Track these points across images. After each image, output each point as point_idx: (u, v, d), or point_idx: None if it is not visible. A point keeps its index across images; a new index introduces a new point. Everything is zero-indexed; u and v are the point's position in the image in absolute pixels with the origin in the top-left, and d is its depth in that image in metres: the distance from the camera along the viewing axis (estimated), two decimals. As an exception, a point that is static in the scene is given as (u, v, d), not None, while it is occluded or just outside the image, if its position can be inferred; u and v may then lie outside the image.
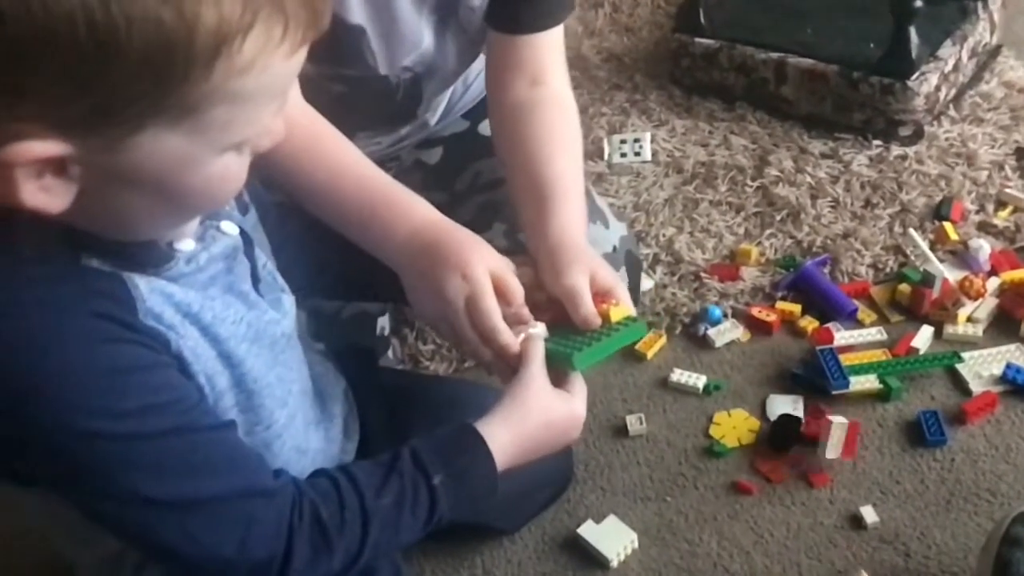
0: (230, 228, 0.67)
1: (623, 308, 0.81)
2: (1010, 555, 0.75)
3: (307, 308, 1.06)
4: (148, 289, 0.59)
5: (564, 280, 0.81)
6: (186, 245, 0.63)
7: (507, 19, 0.97)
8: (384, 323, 1.17)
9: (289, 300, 0.73)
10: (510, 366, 0.77)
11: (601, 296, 0.81)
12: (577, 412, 0.77)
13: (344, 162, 0.86)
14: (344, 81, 1.00)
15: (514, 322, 0.78)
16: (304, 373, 0.76)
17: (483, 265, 0.78)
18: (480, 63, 1.20)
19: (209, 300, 0.63)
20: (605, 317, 0.79)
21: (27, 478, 0.62)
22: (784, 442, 1.02)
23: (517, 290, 0.79)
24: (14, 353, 0.55)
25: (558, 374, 0.77)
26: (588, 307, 0.79)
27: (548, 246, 0.86)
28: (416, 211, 0.84)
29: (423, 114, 1.11)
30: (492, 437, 0.71)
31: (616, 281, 0.83)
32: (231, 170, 0.57)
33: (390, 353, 1.19)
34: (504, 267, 0.80)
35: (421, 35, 1.02)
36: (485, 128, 1.17)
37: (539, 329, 0.78)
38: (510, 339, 0.76)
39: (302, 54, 0.55)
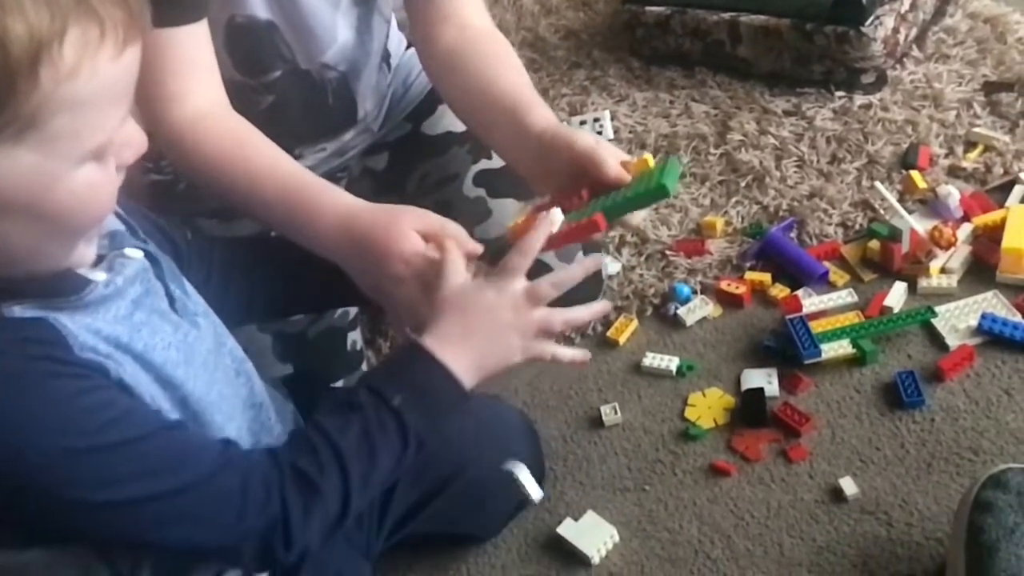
0: (134, 253, 0.68)
1: (644, 161, 0.83)
2: (981, 521, 0.73)
3: (271, 331, 1.06)
4: (76, 327, 0.60)
5: (579, 145, 0.83)
6: (97, 276, 0.63)
7: None
8: (356, 337, 1.16)
9: (206, 321, 0.73)
10: None
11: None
12: (510, 287, 0.74)
13: (263, 165, 0.87)
14: (271, 89, 1.00)
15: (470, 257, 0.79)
16: (251, 387, 0.77)
17: (411, 242, 0.79)
18: (417, 64, 1.19)
19: (136, 330, 0.64)
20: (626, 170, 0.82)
21: (25, 538, 0.63)
22: (756, 418, 0.99)
23: (457, 233, 0.80)
24: None
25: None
26: (613, 159, 0.82)
27: (542, 132, 0.87)
28: (335, 204, 0.84)
29: (363, 117, 1.10)
30: (435, 345, 0.72)
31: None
32: (96, 181, 0.57)
33: (364, 366, 1.18)
34: (431, 223, 0.80)
35: (335, 29, 1.01)
36: (428, 127, 1.16)
37: (555, 212, 0.80)
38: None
39: (132, 56, 0.56)
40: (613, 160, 0.82)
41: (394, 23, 1.15)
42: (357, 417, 0.69)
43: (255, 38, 0.96)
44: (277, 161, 0.87)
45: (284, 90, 1.01)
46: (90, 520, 0.61)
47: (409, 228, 0.80)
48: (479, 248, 0.80)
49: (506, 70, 0.95)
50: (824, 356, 1.02)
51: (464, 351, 0.72)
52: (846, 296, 1.08)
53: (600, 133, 1.41)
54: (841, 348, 1.03)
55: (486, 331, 0.74)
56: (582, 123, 1.43)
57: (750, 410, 1.00)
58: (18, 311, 0.58)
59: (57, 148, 0.54)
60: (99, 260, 0.65)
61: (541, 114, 0.89)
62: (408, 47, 1.23)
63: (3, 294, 0.58)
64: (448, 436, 0.75)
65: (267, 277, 0.86)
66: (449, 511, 0.93)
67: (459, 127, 1.13)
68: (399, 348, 0.75)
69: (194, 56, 0.86)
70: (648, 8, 1.46)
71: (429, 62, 1.03)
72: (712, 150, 1.32)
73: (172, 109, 0.84)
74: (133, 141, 0.59)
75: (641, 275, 1.19)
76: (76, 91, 0.53)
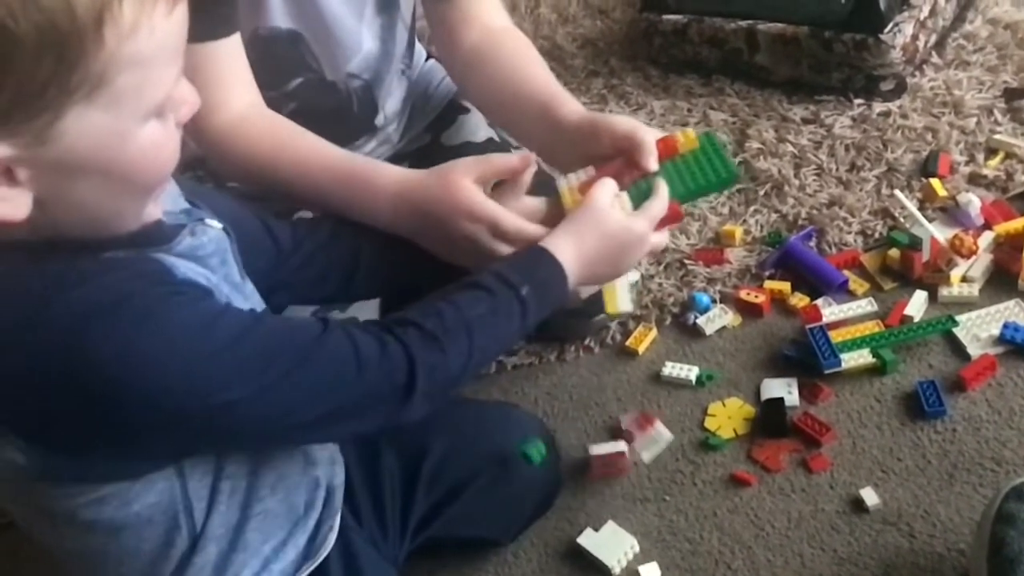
0: (213, 223, 0.71)
1: (689, 138, 0.86)
2: (1004, 533, 0.73)
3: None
4: (173, 263, 0.64)
5: (619, 128, 0.86)
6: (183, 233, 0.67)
7: None
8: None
9: (260, 308, 0.76)
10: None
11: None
12: (636, 228, 0.81)
13: (309, 155, 0.90)
14: (292, 96, 1.01)
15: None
16: None
17: (469, 195, 0.82)
18: (437, 75, 1.19)
19: (218, 289, 0.67)
20: (675, 147, 0.86)
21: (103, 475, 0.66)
22: (776, 428, 0.99)
23: (505, 160, 0.85)
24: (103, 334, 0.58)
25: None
26: (650, 138, 0.84)
27: (579, 123, 0.90)
28: (388, 182, 0.86)
29: (381, 124, 1.11)
30: (558, 249, 0.78)
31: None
32: (159, 138, 0.60)
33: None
34: (485, 169, 0.84)
35: (360, 38, 1.03)
36: (448, 138, 1.17)
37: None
38: (540, 231, 0.81)
39: (181, 12, 0.59)
40: (652, 143, 0.85)
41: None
42: (486, 296, 0.74)
43: (279, 50, 0.98)
44: (323, 149, 0.90)
45: (306, 98, 1.02)
46: (228, 422, 0.64)
47: (463, 182, 0.83)
48: (531, 157, 0.85)
49: (532, 66, 0.99)
50: (844, 366, 1.02)
51: (580, 263, 0.78)
52: (866, 305, 1.08)
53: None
54: (861, 358, 1.02)
55: (602, 252, 0.80)
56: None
57: (770, 421, 1.00)
58: (122, 254, 0.62)
59: (124, 106, 0.57)
60: (181, 228, 0.68)
61: (573, 107, 0.93)
62: (428, 58, 1.24)
63: (101, 244, 0.62)
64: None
65: (369, 252, 0.88)
66: (467, 513, 0.93)
67: (478, 137, 1.14)
68: (527, 247, 0.80)
69: (230, 67, 0.89)
70: (665, 17, 1.46)
71: (453, 64, 1.06)
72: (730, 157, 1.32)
73: (212, 119, 0.87)
74: (188, 99, 0.62)
75: (660, 284, 1.19)
76: (138, 48, 0.56)
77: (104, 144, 0.57)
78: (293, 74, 1.00)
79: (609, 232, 0.80)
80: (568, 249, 0.78)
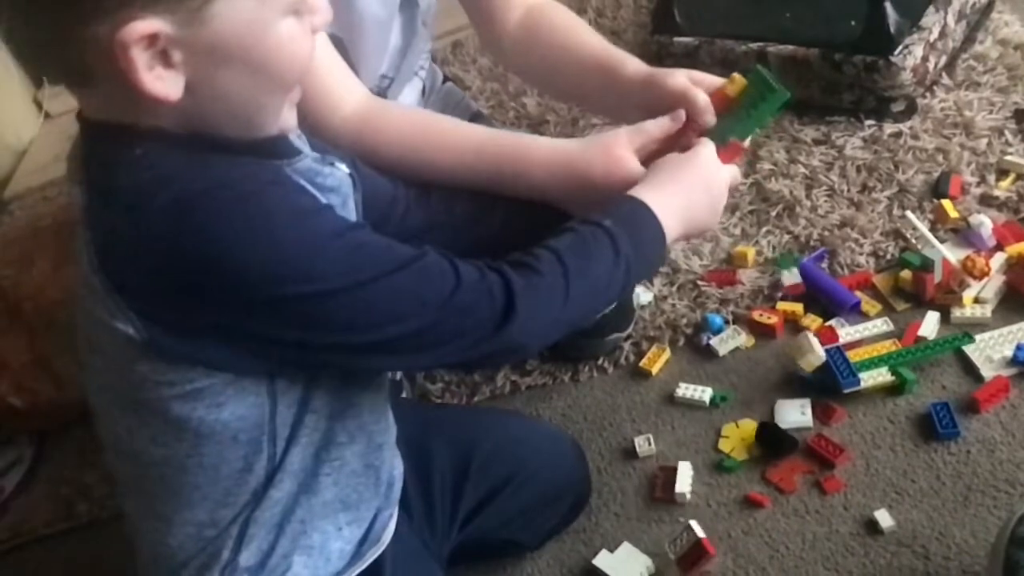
0: (342, 166, 0.75)
1: (737, 82, 0.88)
2: (1018, 556, 0.73)
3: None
4: (291, 174, 0.69)
5: (671, 86, 0.89)
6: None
7: None
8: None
9: None
10: None
11: (705, 86, 0.89)
12: (705, 153, 0.84)
13: (453, 136, 0.92)
14: None
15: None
16: None
17: (630, 168, 0.85)
18: (455, 97, 1.21)
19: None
20: (728, 96, 0.88)
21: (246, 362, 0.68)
22: (778, 450, 1.00)
23: (659, 124, 0.87)
24: (235, 225, 0.62)
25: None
26: (702, 97, 0.87)
27: (639, 80, 0.93)
28: (543, 155, 0.89)
29: None
30: (640, 193, 0.80)
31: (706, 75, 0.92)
32: (296, 34, 0.66)
33: (404, 394, 1.20)
34: (645, 139, 0.86)
35: (389, 35, 1.06)
36: None
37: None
38: None
39: None
40: (704, 101, 0.88)
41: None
42: (569, 232, 0.76)
43: None
44: (464, 129, 0.94)
45: None
46: (319, 316, 0.65)
47: (626, 154, 0.85)
48: (682, 115, 0.88)
49: (584, 33, 1.02)
50: (863, 385, 1.02)
51: (672, 202, 0.80)
52: (882, 325, 1.08)
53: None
54: (880, 376, 1.02)
55: (698, 188, 0.83)
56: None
57: (769, 444, 1.01)
58: (249, 159, 0.66)
59: None
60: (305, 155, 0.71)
61: (632, 66, 0.95)
62: (445, 81, 1.25)
63: (232, 146, 0.66)
64: (654, 264, 0.85)
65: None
66: (504, 512, 0.96)
67: None
68: (620, 197, 0.81)
69: (336, 59, 0.91)
70: (676, 39, 1.47)
71: (501, 47, 1.08)
72: (742, 179, 1.33)
73: (334, 116, 0.89)
74: (320, 9, 0.67)
75: (673, 305, 1.20)
76: None
77: (248, 31, 0.63)
78: None
79: (685, 167, 0.83)
80: (652, 190, 0.80)
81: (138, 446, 0.71)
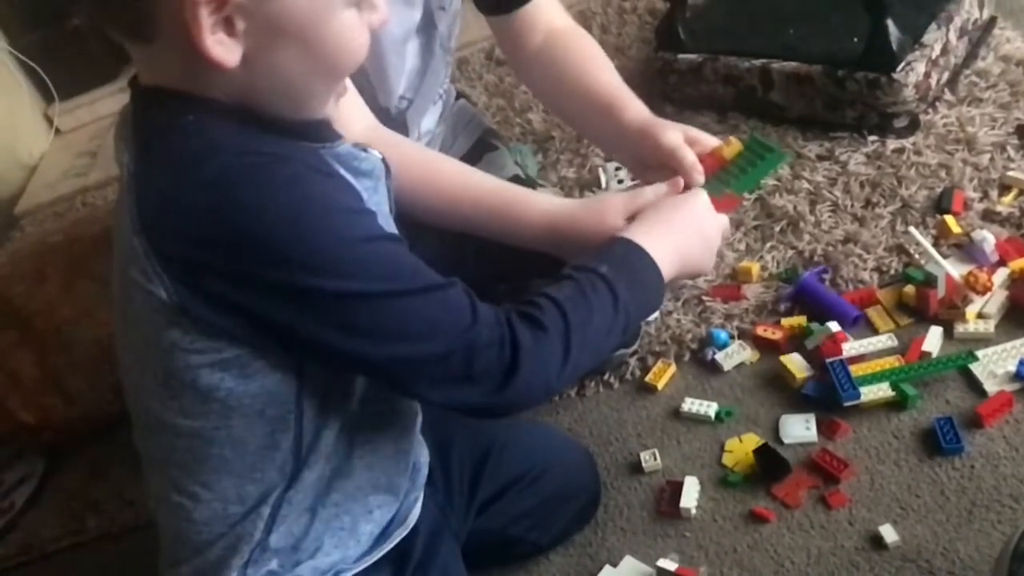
0: (375, 151, 0.77)
1: (733, 145, 0.92)
2: (1022, 571, 0.73)
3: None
4: (332, 162, 0.70)
5: (663, 142, 0.92)
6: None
7: (500, 1, 1.07)
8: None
9: None
10: None
11: (700, 146, 0.92)
12: (701, 200, 0.87)
13: (455, 185, 0.95)
14: None
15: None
16: None
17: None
18: (466, 114, 1.23)
19: (368, 204, 0.71)
20: (723, 158, 0.91)
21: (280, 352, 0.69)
22: (775, 472, 1.00)
23: (656, 190, 0.89)
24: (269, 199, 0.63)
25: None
26: (691, 157, 0.90)
27: (636, 128, 0.96)
28: (537, 214, 0.91)
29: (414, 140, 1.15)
30: (632, 235, 0.82)
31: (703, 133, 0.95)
32: (354, 25, 0.68)
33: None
34: (640, 204, 0.87)
35: (405, 57, 1.07)
36: None
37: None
38: None
39: None
40: (694, 163, 0.91)
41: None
42: (568, 281, 0.77)
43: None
44: (464, 177, 0.96)
45: None
46: (342, 317, 0.66)
47: (618, 221, 0.87)
48: (680, 183, 0.90)
49: (598, 68, 1.04)
50: (863, 399, 1.03)
51: (663, 242, 0.82)
52: (886, 340, 1.09)
53: (635, 180, 1.43)
54: (880, 391, 1.03)
55: (689, 229, 0.85)
56: (617, 168, 1.46)
57: (767, 467, 1.01)
58: (291, 143, 0.68)
59: None
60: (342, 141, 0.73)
61: (634, 111, 0.98)
62: (458, 98, 1.27)
63: (276, 125, 0.67)
64: (653, 305, 0.84)
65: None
66: (517, 504, 0.98)
67: (505, 174, 1.17)
68: (613, 239, 0.83)
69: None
70: (680, 56, 1.49)
71: (521, 67, 1.12)
72: (746, 194, 1.34)
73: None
74: (380, 8, 0.69)
75: (678, 320, 1.21)
76: None
77: (311, 12, 0.64)
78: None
79: (676, 210, 0.85)
80: (644, 232, 0.82)
81: (167, 418, 0.72)
